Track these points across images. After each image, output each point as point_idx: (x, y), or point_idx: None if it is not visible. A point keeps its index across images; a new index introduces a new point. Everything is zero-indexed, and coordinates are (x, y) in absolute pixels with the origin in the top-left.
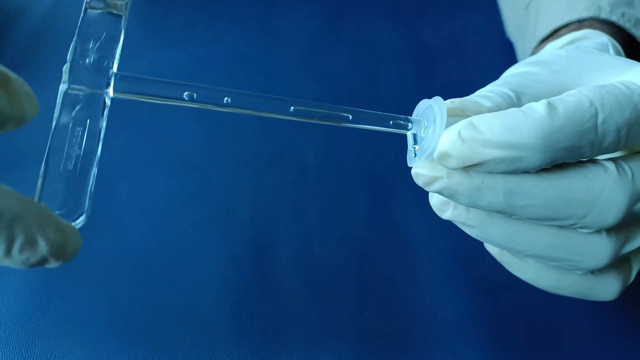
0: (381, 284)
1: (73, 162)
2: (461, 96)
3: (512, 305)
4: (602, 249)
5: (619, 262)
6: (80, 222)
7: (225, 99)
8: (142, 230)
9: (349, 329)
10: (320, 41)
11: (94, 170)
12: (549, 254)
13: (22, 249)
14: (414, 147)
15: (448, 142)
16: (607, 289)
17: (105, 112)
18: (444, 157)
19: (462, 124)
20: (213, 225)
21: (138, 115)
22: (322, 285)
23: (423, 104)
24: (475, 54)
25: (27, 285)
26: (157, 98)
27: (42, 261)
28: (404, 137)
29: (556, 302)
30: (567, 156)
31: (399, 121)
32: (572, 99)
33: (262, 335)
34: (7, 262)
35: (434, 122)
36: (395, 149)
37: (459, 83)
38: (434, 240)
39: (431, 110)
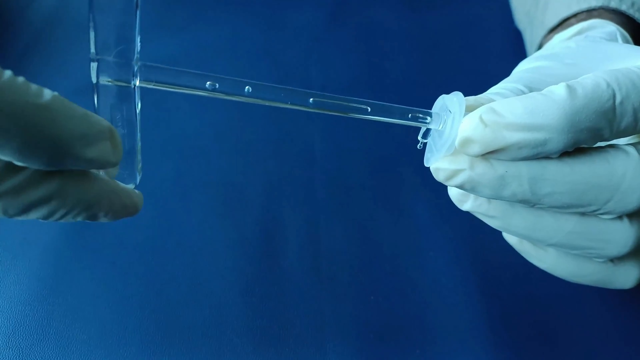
0: (388, 268)
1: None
2: (469, 84)
3: (521, 291)
4: (624, 235)
5: (638, 250)
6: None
7: (247, 88)
8: (152, 214)
9: (355, 312)
10: (327, 30)
11: (139, 145)
12: (570, 242)
13: (116, 213)
14: (432, 145)
15: (470, 127)
16: (626, 276)
17: (137, 97)
18: (466, 142)
19: (482, 109)
20: (222, 210)
21: (148, 101)
22: (330, 269)
23: (440, 100)
24: (483, 43)
25: (41, 269)
26: (180, 87)
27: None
28: (411, 128)
29: (566, 291)
30: (588, 138)
31: (417, 114)
32: (589, 82)
33: (270, 317)
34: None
35: (452, 115)
36: (403, 135)
37: (467, 72)
38: (441, 226)
39: (449, 105)
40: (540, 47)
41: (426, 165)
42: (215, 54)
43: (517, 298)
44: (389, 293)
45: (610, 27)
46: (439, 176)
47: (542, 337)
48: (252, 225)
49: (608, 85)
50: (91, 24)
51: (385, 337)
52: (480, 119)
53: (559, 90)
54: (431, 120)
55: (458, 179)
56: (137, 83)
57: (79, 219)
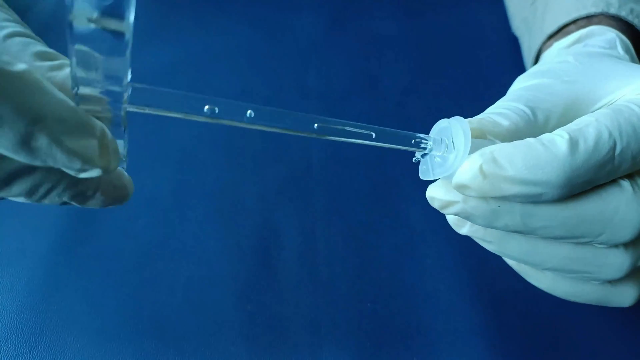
0: (385, 275)
1: None
2: (466, 90)
3: (518, 298)
4: (618, 261)
5: (636, 270)
6: None
7: (248, 112)
8: (149, 221)
9: (352, 319)
10: (325, 36)
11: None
12: (565, 266)
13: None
14: (429, 162)
15: (468, 176)
16: (624, 296)
17: (125, 125)
18: (462, 188)
19: (483, 157)
20: (219, 217)
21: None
22: (326, 276)
23: (443, 123)
24: (480, 49)
25: (36, 275)
26: (175, 112)
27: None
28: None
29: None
30: (584, 186)
31: (420, 140)
32: (592, 131)
33: (266, 325)
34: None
35: (454, 143)
36: None
37: (464, 78)
38: (438, 232)
39: (451, 130)
40: (539, 53)
41: (421, 177)
42: (213, 59)
43: (515, 305)
44: (386, 300)
45: (610, 34)
46: (434, 204)
47: (540, 344)
48: (248, 233)
49: (610, 134)
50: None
51: (382, 344)
52: (481, 169)
53: (560, 144)
54: (433, 146)
55: (452, 209)
56: (126, 107)
57: (65, 198)
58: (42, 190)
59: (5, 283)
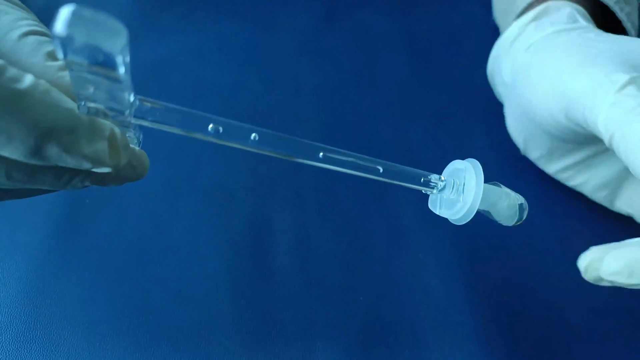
0: (377, 269)
1: None
2: (457, 85)
3: (510, 292)
4: None
5: None
6: None
7: (253, 135)
8: (142, 215)
9: (344, 313)
10: (317, 31)
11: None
12: None
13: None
14: (439, 197)
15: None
16: None
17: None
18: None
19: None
20: (211, 212)
21: None
22: (319, 271)
23: (459, 164)
24: (471, 44)
25: (29, 270)
26: (179, 129)
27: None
28: (402, 130)
29: (557, 294)
30: None
31: (430, 181)
32: None
33: (259, 319)
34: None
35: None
36: (393, 138)
37: (455, 73)
38: (430, 227)
39: (465, 174)
40: None
41: (429, 207)
42: (205, 56)
43: (506, 299)
44: (378, 294)
45: (567, 9)
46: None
47: (532, 338)
48: (241, 228)
49: None
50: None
51: (374, 338)
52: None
53: None
54: (444, 186)
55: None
56: (132, 121)
57: (87, 183)
58: (64, 180)
59: None
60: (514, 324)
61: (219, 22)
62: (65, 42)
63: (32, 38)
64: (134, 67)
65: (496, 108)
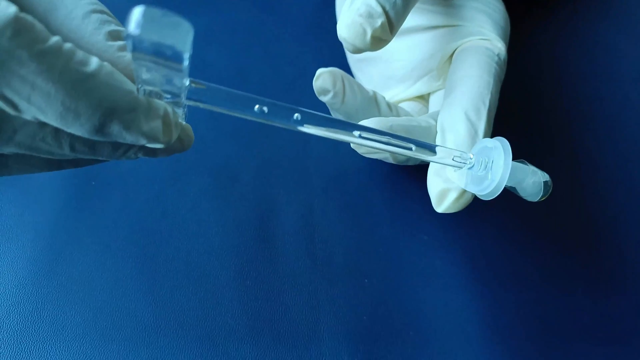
0: (382, 251)
1: None
2: None
3: (513, 273)
4: None
5: None
6: None
7: (295, 115)
8: (147, 196)
9: (350, 294)
10: (322, 12)
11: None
12: None
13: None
14: (467, 173)
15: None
16: None
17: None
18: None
19: None
20: (217, 193)
21: None
22: (324, 252)
23: (488, 143)
24: None
25: (35, 250)
26: (227, 110)
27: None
28: None
29: (558, 285)
30: None
31: (461, 158)
32: None
33: (265, 299)
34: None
35: (492, 167)
36: None
37: None
38: (437, 215)
39: (494, 152)
40: None
41: (465, 189)
42: (209, 38)
43: (511, 280)
44: (383, 276)
45: None
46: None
47: (533, 322)
48: (246, 209)
49: None
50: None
51: (379, 319)
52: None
53: None
54: (474, 164)
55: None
56: (184, 102)
57: (140, 155)
58: (120, 151)
59: (6, 259)
60: (517, 307)
61: (222, 5)
62: (137, 41)
63: (95, 17)
64: None
65: None
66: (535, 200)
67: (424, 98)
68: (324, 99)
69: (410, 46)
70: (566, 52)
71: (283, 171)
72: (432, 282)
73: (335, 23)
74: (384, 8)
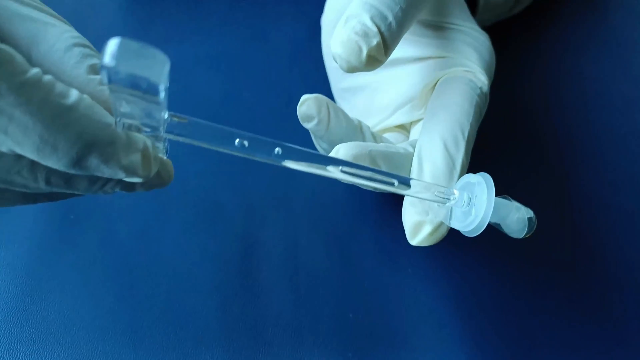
0: (367, 284)
1: None
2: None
3: (500, 306)
4: None
5: None
6: None
7: (277, 150)
8: (128, 230)
9: (334, 329)
10: (308, 42)
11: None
12: None
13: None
14: (449, 210)
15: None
16: None
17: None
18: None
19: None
20: (200, 226)
21: None
22: (308, 285)
23: (471, 178)
24: None
25: (9, 288)
26: (208, 144)
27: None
28: None
29: (546, 303)
30: None
31: (443, 195)
32: None
33: (248, 335)
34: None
35: (476, 204)
36: None
37: None
38: (422, 247)
39: (476, 188)
40: None
41: (449, 226)
42: (196, 66)
43: (496, 315)
44: (368, 310)
45: None
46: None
47: (520, 353)
48: (229, 242)
49: None
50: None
51: (364, 354)
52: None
53: None
54: (456, 201)
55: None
56: (163, 135)
57: (117, 189)
58: (97, 185)
59: None
60: (503, 339)
61: (210, 33)
62: (112, 72)
63: (77, 50)
64: None
65: None
66: (520, 237)
67: (405, 128)
68: (307, 125)
69: (398, 76)
70: (553, 80)
71: (267, 204)
72: (418, 317)
73: (321, 54)
74: (379, 28)
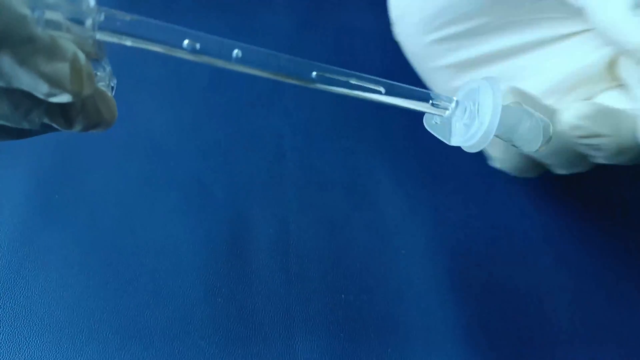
0: (358, 266)
1: None
2: None
3: (494, 289)
4: None
5: None
6: None
7: (235, 52)
8: (115, 214)
9: (324, 311)
10: (298, 34)
11: None
12: None
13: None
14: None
15: None
16: None
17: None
18: None
19: None
20: (188, 208)
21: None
22: (299, 268)
23: (473, 84)
24: None
25: None
26: (151, 44)
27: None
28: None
29: (542, 290)
30: None
31: (439, 102)
32: None
33: (237, 317)
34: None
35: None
36: (376, 131)
37: None
38: (413, 223)
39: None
40: None
41: (440, 138)
42: (182, 65)
43: (490, 296)
44: (360, 291)
45: None
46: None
47: (517, 336)
48: (219, 224)
49: None
50: None
51: (356, 336)
52: None
53: None
54: (455, 111)
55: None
56: (95, 36)
57: (45, 120)
58: (21, 111)
59: None
60: (496, 320)
61: (198, 25)
62: None
63: None
64: None
65: None
66: (535, 150)
67: None
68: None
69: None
70: None
71: (256, 185)
72: (410, 298)
73: (314, 41)
74: None
